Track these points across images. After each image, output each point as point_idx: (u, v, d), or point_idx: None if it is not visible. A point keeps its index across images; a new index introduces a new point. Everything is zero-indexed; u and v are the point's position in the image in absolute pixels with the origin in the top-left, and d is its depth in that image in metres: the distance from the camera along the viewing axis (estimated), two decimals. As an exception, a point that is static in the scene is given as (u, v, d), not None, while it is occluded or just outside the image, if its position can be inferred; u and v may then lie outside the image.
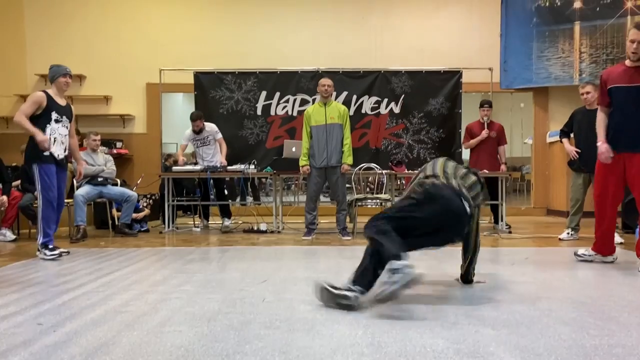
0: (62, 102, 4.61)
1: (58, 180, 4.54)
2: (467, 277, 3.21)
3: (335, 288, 2.61)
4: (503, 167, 6.60)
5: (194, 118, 6.59)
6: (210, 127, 6.74)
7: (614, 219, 3.91)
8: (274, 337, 2.16)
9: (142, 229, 6.51)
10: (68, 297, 2.90)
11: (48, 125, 4.44)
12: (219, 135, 6.79)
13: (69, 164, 6.12)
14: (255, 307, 2.66)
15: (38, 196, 4.45)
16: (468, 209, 2.82)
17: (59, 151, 4.52)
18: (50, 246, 4.39)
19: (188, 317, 2.48)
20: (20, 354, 1.98)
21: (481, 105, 6.66)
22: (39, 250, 4.40)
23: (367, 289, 2.60)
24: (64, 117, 4.58)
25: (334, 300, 2.60)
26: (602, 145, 3.72)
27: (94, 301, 2.81)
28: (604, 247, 3.93)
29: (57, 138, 4.50)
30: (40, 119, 4.42)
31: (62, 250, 4.56)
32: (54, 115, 4.47)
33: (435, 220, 2.77)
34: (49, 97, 4.47)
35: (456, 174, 3.04)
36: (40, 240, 4.40)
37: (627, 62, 3.68)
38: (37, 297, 2.93)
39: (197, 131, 6.63)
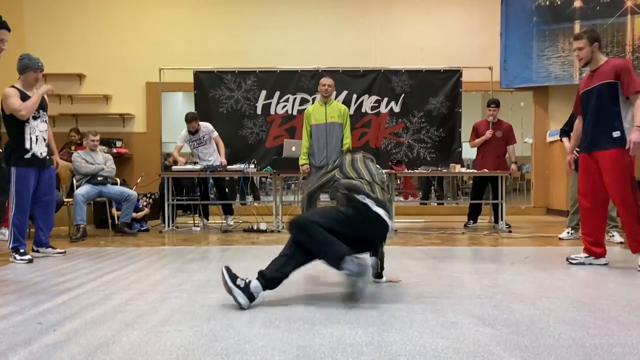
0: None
1: (45, 178, 4.36)
2: (376, 272, 3.18)
3: (234, 279, 2.61)
4: (513, 166, 6.59)
5: (189, 119, 6.58)
6: (205, 126, 6.74)
7: (602, 219, 3.87)
8: (274, 336, 2.16)
9: (142, 229, 6.51)
10: (68, 297, 2.90)
11: (26, 124, 4.17)
12: (215, 134, 6.80)
13: (69, 163, 6.14)
14: (255, 307, 2.66)
15: (11, 200, 4.15)
16: (389, 223, 2.83)
17: (41, 149, 4.27)
18: (22, 250, 4.16)
19: (188, 317, 2.48)
20: (20, 353, 1.98)
21: (488, 105, 6.65)
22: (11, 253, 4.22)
23: (267, 288, 2.64)
24: (40, 110, 4.28)
25: (228, 291, 2.61)
26: (568, 156, 4.29)
27: (93, 300, 2.81)
28: (593, 249, 3.88)
29: (38, 136, 4.24)
30: (15, 118, 4.12)
31: (58, 250, 4.54)
32: None
33: (360, 237, 2.81)
34: (21, 92, 4.16)
35: (377, 176, 2.99)
36: (10, 244, 4.18)
37: (582, 67, 3.96)
38: (37, 296, 2.92)
39: (193, 132, 6.63)
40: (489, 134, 6.50)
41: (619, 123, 3.65)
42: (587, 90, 3.82)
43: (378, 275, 3.22)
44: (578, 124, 4.07)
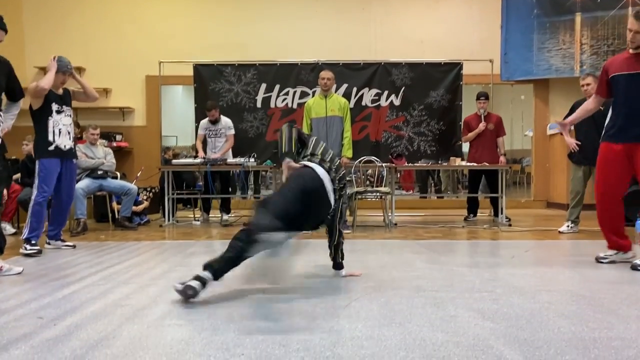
0: (59, 91, 4.50)
1: (67, 171, 4.50)
2: (335, 261, 3.23)
3: (182, 284, 2.60)
4: (502, 158, 6.60)
5: (209, 108, 6.70)
6: (226, 121, 6.84)
7: (622, 213, 3.71)
8: (274, 330, 2.16)
9: (143, 221, 6.51)
10: (68, 291, 2.91)
11: (50, 118, 4.36)
12: (231, 132, 6.85)
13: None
14: (255, 300, 2.67)
15: (33, 190, 4.32)
16: (330, 187, 2.93)
17: (65, 142, 4.45)
18: (33, 242, 4.22)
19: (188, 311, 2.48)
20: (21, 347, 1.98)
21: (477, 98, 6.66)
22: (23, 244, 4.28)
23: (217, 277, 2.63)
24: (64, 106, 4.48)
25: (184, 295, 2.58)
26: (560, 121, 4.13)
27: (94, 295, 2.82)
28: (621, 244, 3.70)
29: (61, 129, 4.43)
30: (41, 112, 4.33)
31: (68, 244, 4.60)
32: (54, 107, 4.38)
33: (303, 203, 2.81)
34: (49, 91, 4.35)
35: (325, 154, 3.11)
36: (25, 235, 4.24)
37: (630, 50, 3.54)
38: (38, 290, 2.93)
39: (213, 121, 6.69)
40: (482, 126, 6.52)
41: None
42: (627, 75, 3.46)
43: (338, 265, 3.23)
44: (590, 104, 3.80)
